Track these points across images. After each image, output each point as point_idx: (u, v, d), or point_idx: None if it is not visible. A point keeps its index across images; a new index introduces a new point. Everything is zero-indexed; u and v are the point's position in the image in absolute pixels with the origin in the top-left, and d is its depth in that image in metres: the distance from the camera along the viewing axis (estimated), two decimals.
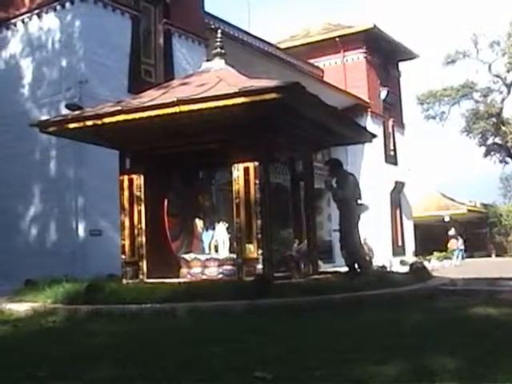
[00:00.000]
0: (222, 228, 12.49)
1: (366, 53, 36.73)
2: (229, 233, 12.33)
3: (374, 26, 35.87)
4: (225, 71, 12.73)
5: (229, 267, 11.72)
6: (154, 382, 4.91)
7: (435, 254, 40.17)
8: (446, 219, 52.98)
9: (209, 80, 12.00)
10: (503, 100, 54.44)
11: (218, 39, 13.49)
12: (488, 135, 55.51)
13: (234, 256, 11.55)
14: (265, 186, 11.30)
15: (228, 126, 11.19)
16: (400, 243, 37.97)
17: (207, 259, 12.10)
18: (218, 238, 12.50)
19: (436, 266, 32.55)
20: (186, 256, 12.35)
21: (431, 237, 48.75)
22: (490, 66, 53.40)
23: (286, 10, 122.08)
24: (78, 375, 5.19)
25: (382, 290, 10.67)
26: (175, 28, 22.12)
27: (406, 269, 15.74)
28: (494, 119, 53.72)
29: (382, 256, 30.62)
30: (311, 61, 36.30)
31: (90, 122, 11.64)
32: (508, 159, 57.20)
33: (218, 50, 13.35)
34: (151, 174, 12.37)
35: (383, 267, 15.39)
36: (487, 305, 9.06)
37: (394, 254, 34.75)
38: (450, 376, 4.76)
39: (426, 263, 20.84)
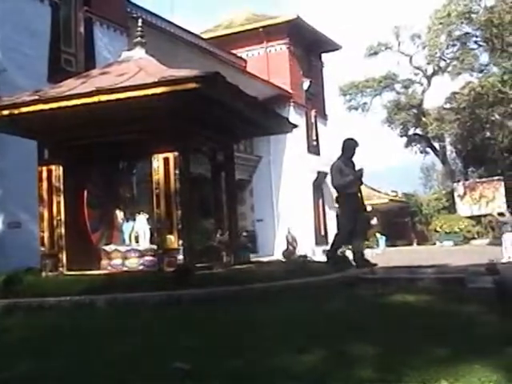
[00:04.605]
0: (142, 219, 12.41)
1: (289, 43, 36.84)
2: (149, 224, 12.27)
3: (298, 16, 35.99)
4: (145, 61, 12.65)
5: (149, 258, 11.69)
6: (73, 374, 4.88)
7: None
8: (368, 209, 53.77)
9: (128, 69, 11.90)
10: (424, 92, 55.72)
11: (139, 28, 13.39)
12: (409, 126, 56.61)
13: (155, 247, 11.52)
14: (185, 177, 11.31)
15: (147, 116, 11.12)
16: (323, 232, 38.31)
17: (128, 250, 12.04)
18: (138, 229, 12.43)
19: None
20: (107, 247, 12.26)
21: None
22: (411, 58, 54.48)
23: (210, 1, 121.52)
24: None
25: (304, 279, 10.76)
26: (96, 16, 21.68)
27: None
28: (414, 110, 54.81)
29: (304, 245, 30.96)
30: (234, 51, 36.20)
31: (6, 112, 11.42)
32: (428, 149, 58.61)
33: (139, 39, 13.27)
34: (71, 164, 12.19)
35: (305, 256, 15.54)
36: (406, 292, 9.25)
37: (317, 243, 35.08)
38: (369, 362, 4.87)
39: (348, 252, 21.16)
